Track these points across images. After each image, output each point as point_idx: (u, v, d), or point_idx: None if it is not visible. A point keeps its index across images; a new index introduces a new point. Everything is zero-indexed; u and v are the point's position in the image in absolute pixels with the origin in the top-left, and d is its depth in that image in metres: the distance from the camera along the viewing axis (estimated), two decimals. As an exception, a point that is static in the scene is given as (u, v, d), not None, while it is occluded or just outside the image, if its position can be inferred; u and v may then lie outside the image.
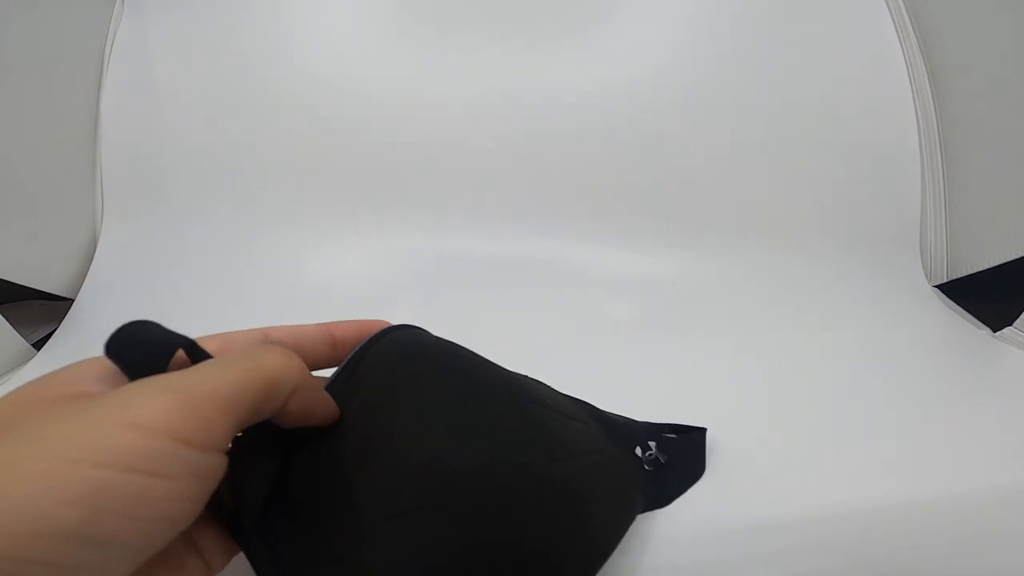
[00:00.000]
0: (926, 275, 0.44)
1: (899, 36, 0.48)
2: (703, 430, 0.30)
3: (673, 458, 0.28)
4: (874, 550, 0.26)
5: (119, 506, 0.13)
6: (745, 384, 0.36)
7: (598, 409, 0.28)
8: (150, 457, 0.13)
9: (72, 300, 0.46)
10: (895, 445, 0.32)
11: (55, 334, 0.43)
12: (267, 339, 0.20)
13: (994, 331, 0.41)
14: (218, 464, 0.15)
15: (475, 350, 0.22)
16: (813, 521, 0.27)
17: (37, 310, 0.47)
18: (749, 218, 0.47)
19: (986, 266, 0.42)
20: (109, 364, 0.16)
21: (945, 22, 0.46)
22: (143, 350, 0.16)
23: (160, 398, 0.14)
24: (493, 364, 0.22)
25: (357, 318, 0.22)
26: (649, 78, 0.49)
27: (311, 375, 0.18)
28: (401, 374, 0.20)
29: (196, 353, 0.16)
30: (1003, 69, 0.41)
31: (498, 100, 0.49)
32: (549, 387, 0.24)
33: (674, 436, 0.30)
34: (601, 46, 0.50)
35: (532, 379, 0.24)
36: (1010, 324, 0.40)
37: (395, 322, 0.22)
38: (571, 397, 0.26)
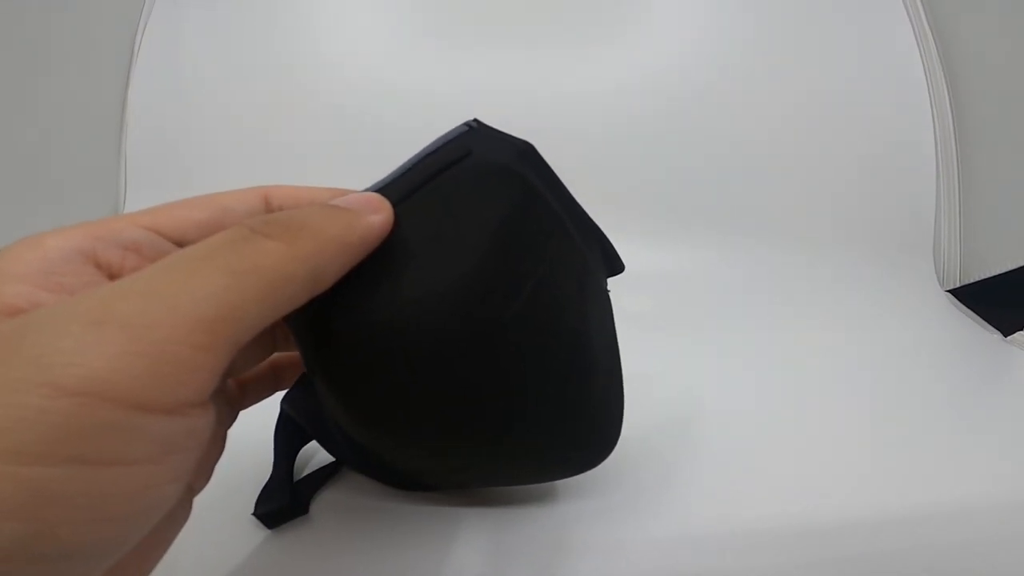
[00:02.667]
0: (939, 280, 0.45)
1: (918, 41, 0.48)
2: None
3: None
4: (881, 552, 0.26)
5: (68, 512, 0.09)
6: (754, 383, 0.37)
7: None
8: (94, 439, 0.09)
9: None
10: (905, 447, 0.32)
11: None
12: (266, 201, 0.16)
13: (1005, 335, 0.41)
14: (204, 424, 0.11)
15: None
16: (820, 522, 0.27)
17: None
18: (763, 218, 0.48)
19: (998, 271, 0.42)
20: (49, 250, 0.12)
21: (964, 27, 0.46)
22: None
23: (99, 337, 0.09)
24: (574, 202, 0.20)
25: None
26: (666, 78, 0.49)
27: (339, 241, 0.13)
28: (472, 191, 0.17)
29: None
30: (1021, 75, 0.42)
31: (513, 99, 0.49)
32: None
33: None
34: (618, 47, 0.50)
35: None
36: (1021, 328, 0.41)
37: None
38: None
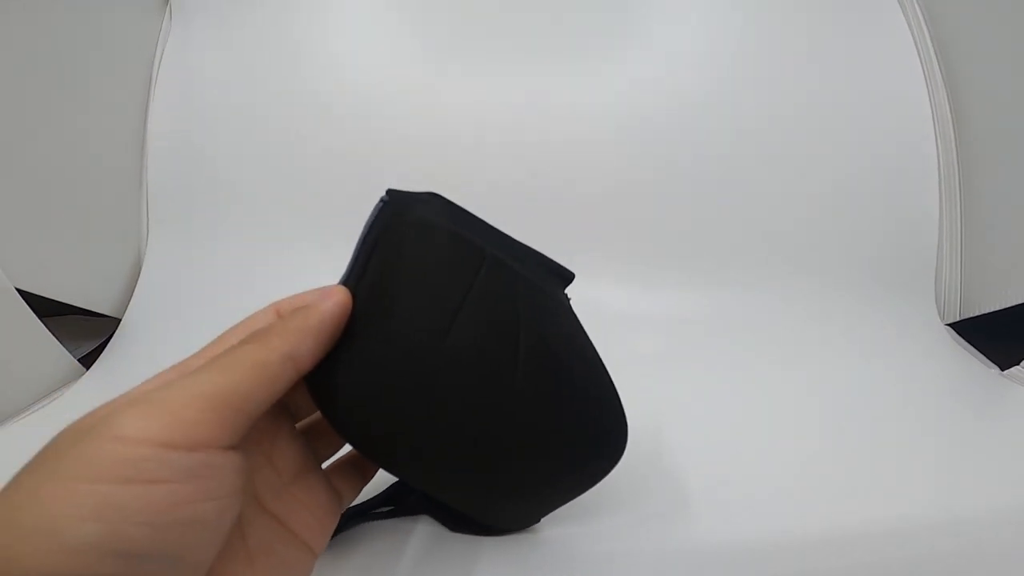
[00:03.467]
0: (939, 313, 0.46)
1: (924, 72, 0.49)
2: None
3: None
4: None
5: (131, 516, 0.14)
6: (758, 416, 0.38)
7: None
8: (139, 466, 0.14)
9: (114, 318, 0.47)
10: (902, 478, 0.33)
11: (104, 352, 0.45)
12: (277, 312, 0.21)
13: (1002, 369, 0.43)
14: (219, 461, 0.16)
15: None
16: (817, 554, 0.28)
17: (80, 325, 0.49)
18: (766, 257, 0.49)
19: (998, 307, 0.44)
20: (152, 383, 0.18)
21: (970, 60, 0.47)
22: None
23: (139, 409, 0.15)
24: (498, 232, 0.23)
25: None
26: (666, 114, 0.50)
27: (298, 329, 0.18)
28: (407, 254, 0.20)
29: None
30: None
31: (510, 137, 0.50)
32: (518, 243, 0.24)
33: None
34: (616, 79, 0.51)
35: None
36: (1017, 363, 0.42)
37: None
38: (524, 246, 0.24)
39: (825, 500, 0.31)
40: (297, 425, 0.23)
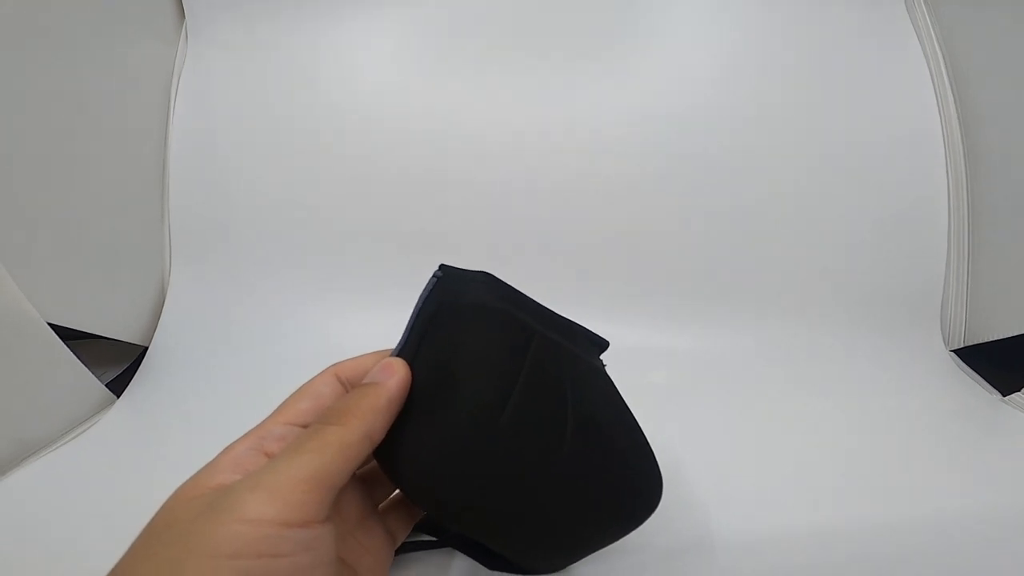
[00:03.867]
0: (944, 339, 0.48)
1: (938, 101, 0.50)
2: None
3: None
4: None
5: None
6: (763, 447, 0.39)
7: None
8: (267, 543, 0.17)
9: (140, 346, 0.48)
10: (904, 503, 0.35)
11: (133, 382, 0.46)
12: (337, 377, 0.24)
13: (1003, 395, 0.44)
14: (323, 533, 0.19)
15: None
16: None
17: (105, 351, 0.49)
18: (773, 285, 0.50)
19: (1004, 335, 0.45)
20: (239, 451, 0.20)
21: (984, 89, 0.48)
22: None
23: (256, 495, 0.18)
24: (541, 307, 0.24)
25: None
26: (665, 153, 0.51)
27: (372, 409, 0.20)
28: (464, 334, 0.22)
29: None
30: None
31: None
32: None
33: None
34: (620, 114, 0.52)
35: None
36: (1018, 390, 0.44)
37: None
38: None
39: (822, 533, 0.32)
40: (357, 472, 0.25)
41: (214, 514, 0.17)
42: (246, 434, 0.22)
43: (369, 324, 0.48)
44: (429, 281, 0.22)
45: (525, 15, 0.53)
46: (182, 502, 0.19)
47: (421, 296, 0.22)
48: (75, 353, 0.43)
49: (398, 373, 0.21)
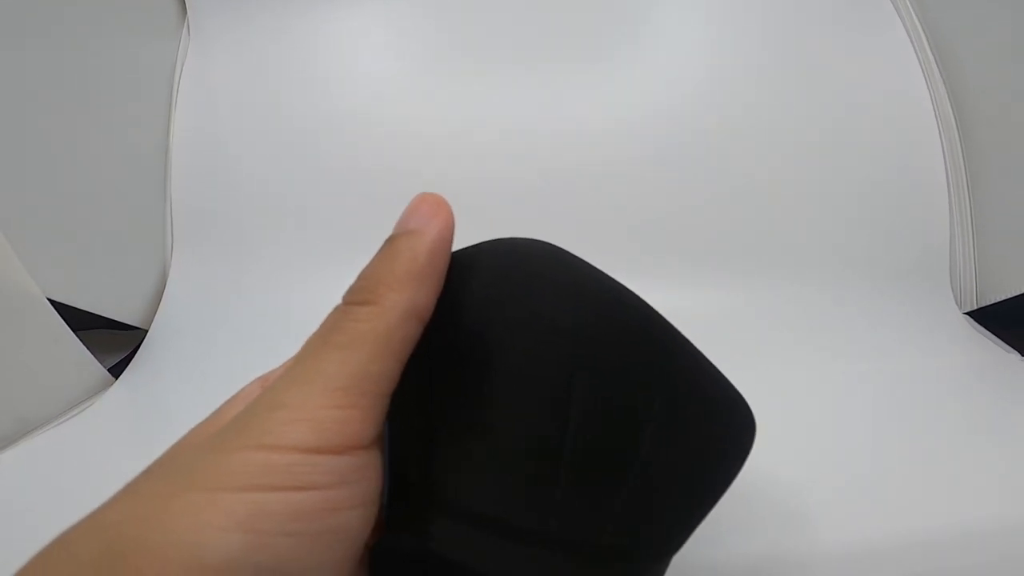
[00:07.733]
0: (956, 302, 0.47)
1: (922, 68, 0.50)
2: None
3: None
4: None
5: (276, 525, 0.13)
6: (777, 415, 0.38)
7: None
8: (290, 473, 0.13)
9: (141, 329, 0.48)
10: (926, 469, 0.33)
11: (132, 362, 0.45)
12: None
13: (1022, 355, 0.43)
14: (366, 461, 0.14)
15: None
16: (841, 549, 0.28)
17: (107, 339, 0.49)
18: (777, 252, 0.49)
19: (1015, 292, 0.44)
20: (246, 395, 0.18)
21: (966, 51, 0.48)
22: None
23: (282, 415, 0.13)
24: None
25: None
26: (669, 117, 0.51)
27: (412, 273, 0.15)
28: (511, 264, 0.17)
29: None
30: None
31: (531, 138, 0.52)
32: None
33: None
34: (624, 84, 0.52)
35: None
36: (1036, 349, 0.43)
37: None
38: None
39: (840, 502, 0.31)
40: None
41: (222, 441, 0.13)
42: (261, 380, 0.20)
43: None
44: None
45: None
46: (185, 447, 0.16)
47: None
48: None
49: (442, 212, 0.15)
